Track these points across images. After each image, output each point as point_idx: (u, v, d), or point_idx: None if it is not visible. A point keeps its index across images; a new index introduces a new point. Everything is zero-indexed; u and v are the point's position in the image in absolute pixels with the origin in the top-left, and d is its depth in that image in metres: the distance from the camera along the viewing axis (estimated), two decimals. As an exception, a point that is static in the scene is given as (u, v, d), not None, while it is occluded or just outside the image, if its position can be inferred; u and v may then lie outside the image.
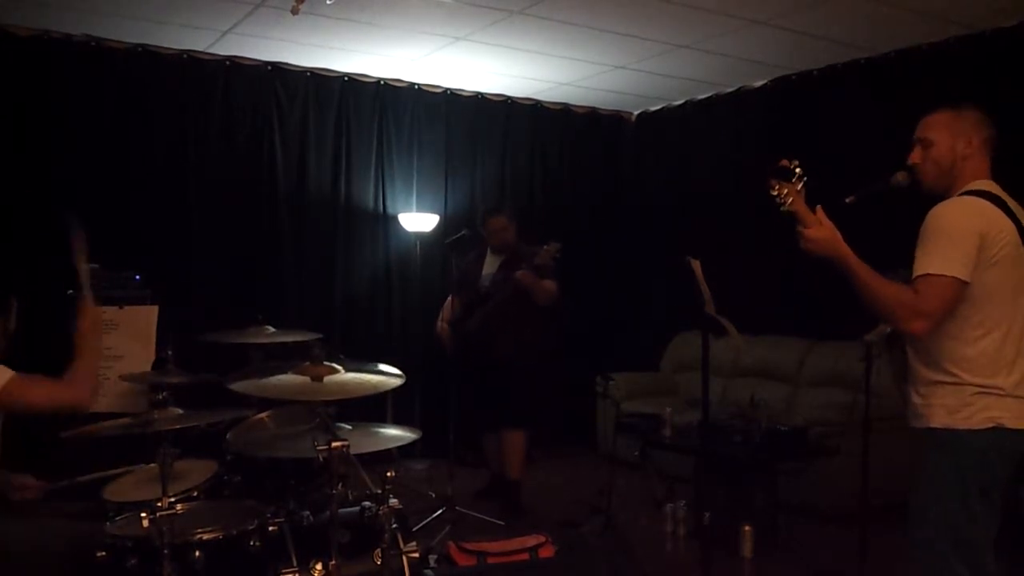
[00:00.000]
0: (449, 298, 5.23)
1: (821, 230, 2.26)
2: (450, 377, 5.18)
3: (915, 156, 2.44)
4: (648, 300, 6.86)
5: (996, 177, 2.39)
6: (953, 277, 2.18)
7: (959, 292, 2.20)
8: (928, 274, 2.19)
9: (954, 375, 2.25)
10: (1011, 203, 2.32)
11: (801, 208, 2.28)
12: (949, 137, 2.38)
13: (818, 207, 2.29)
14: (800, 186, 2.29)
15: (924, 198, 2.44)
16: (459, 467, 5.23)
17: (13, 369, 2.45)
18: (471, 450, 5.74)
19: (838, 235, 2.27)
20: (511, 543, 3.74)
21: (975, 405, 2.23)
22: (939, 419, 2.26)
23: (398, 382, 2.60)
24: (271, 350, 3.57)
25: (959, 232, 2.21)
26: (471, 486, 5.23)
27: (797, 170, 2.30)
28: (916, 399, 2.34)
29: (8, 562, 2.42)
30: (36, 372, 2.68)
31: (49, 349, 3.18)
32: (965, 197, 2.30)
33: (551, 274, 4.86)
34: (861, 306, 2.32)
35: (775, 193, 2.30)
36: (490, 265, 5.09)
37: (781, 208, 2.31)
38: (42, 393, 2.50)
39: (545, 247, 4.76)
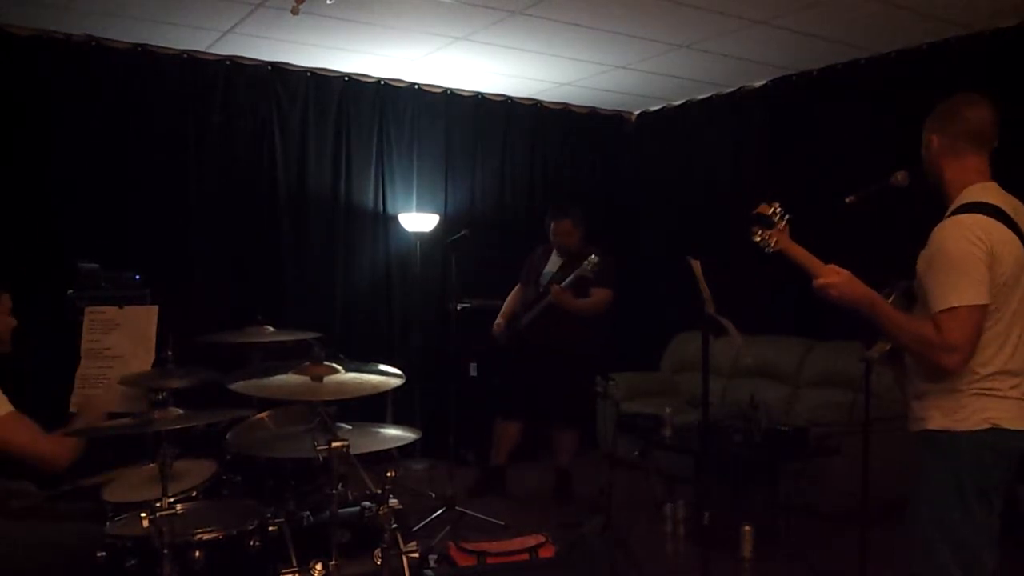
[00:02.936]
0: (517, 286, 5.37)
1: (838, 275, 2.27)
2: (451, 377, 5.20)
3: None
4: (648, 300, 6.86)
5: (996, 177, 2.36)
6: (972, 306, 2.17)
7: (982, 317, 2.19)
8: (949, 308, 2.17)
9: (953, 381, 2.24)
10: (1012, 210, 2.29)
11: (788, 245, 2.32)
12: (924, 136, 2.40)
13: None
14: (783, 225, 2.31)
15: (924, 199, 2.44)
16: (459, 467, 5.24)
17: (14, 376, 2.46)
18: (471, 450, 5.75)
19: (856, 279, 2.27)
20: (511, 543, 3.74)
21: (971, 407, 2.23)
22: (936, 421, 2.27)
23: (398, 382, 2.61)
24: (271, 350, 3.57)
25: (969, 260, 2.18)
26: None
27: (777, 213, 2.33)
28: (914, 403, 2.35)
29: (8, 563, 2.42)
30: (36, 374, 2.69)
31: (48, 350, 3.19)
32: (966, 217, 2.24)
33: (603, 282, 4.97)
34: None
35: (757, 240, 2.37)
36: (553, 263, 5.20)
37: (766, 251, 2.34)
38: (27, 439, 2.54)
39: (586, 261, 4.86)
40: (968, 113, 2.34)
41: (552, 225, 5.19)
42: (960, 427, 2.23)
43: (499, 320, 5.32)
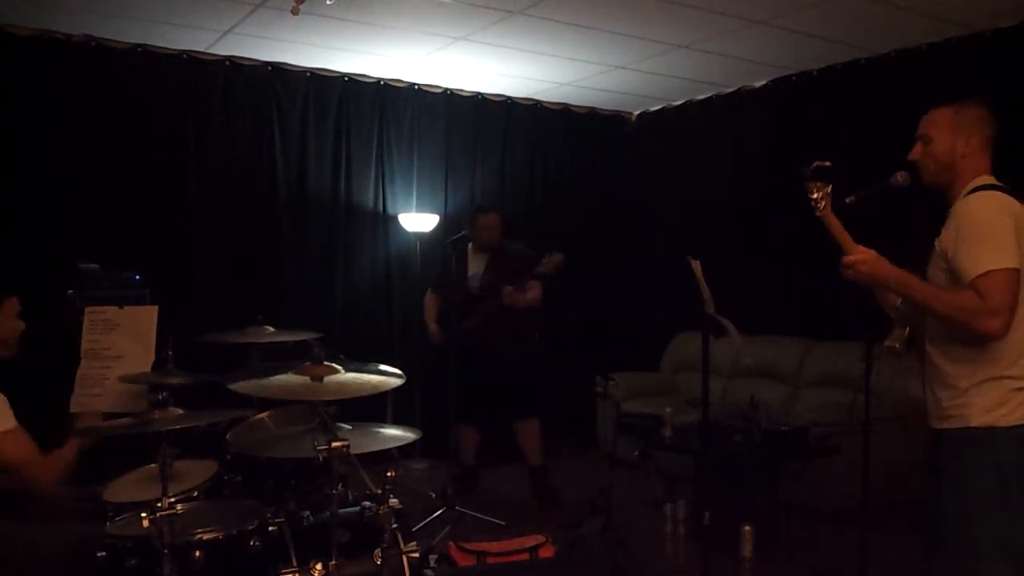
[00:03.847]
0: (428, 294, 5.37)
1: (867, 253, 2.27)
2: (450, 376, 5.19)
3: (915, 153, 2.44)
4: (648, 300, 6.87)
5: (996, 176, 2.39)
6: (1011, 268, 2.18)
7: (1017, 281, 2.20)
8: (989, 271, 2.18)
9: (989, 370, 2.24)
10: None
11: (831, 218, 2.27)
12: (949, 135, 2.38)
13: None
14: (829, 189, 2.28)
15: (924, 199, 2.44)
16: (459, 467, 5.23)
17: (14, 378, 2.47)
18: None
19: (881, 256, 2.27)
20: (511, 543, 3.74)
21: (1013, 401, 2.22)
22: (977, 418, 2.25)
23: (398, 382, 2.60)
24: (271, 350, 3.56)
25: (1000, 224, 2.21)
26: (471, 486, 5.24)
27: (830, 171, 2.28)
28: (947, 401, 2.32)
29: (9, 562, 2.42)
30: (35, 374, 2.69)
31: (49, 350, 3.19)
32: (989, 192, 2.30)
33: (535, 276, 4.96)
34: (865, 308, 2.32)
35: (814, 196, 2.26)
36: (475, 265, 5.17)
37: (816, 212, 2.29)
38: (23, 457, 2.56)
39: (549, 257, 4.83)
40: (991, 116, 2.40)
41: (480, 219, 5.18)
42: (1003, 422, 2.22)
43: (433, 327, 5.30)
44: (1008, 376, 2.23)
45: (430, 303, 5.39)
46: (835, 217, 2.30)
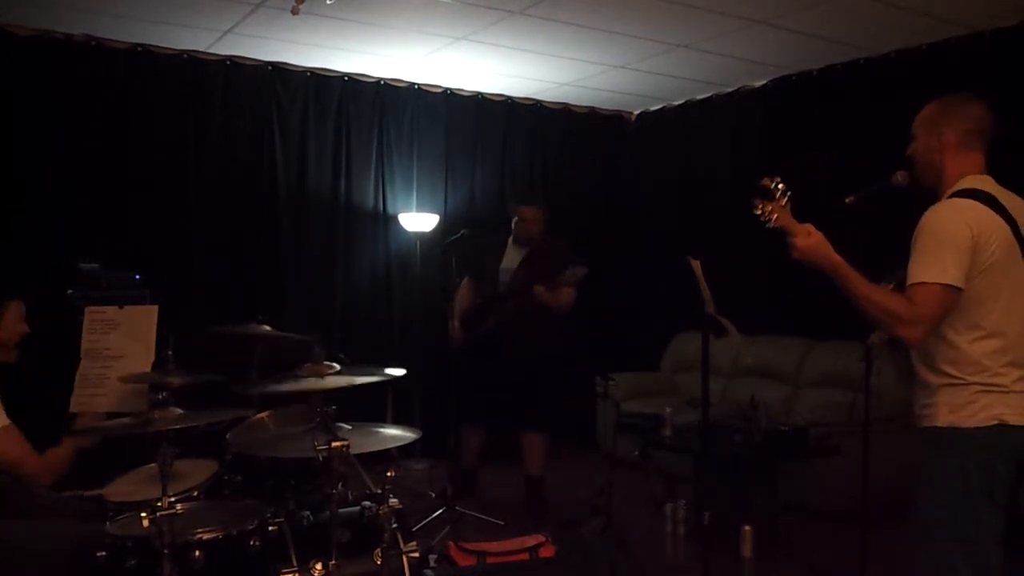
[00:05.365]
0: (464, 280, 5.15)
1: (809, 239, 2.28)
2: (451, 376, 5.18)
3: (909, 150, 2.45)
4: (648, 300, 6.86)
5: (996, 176, 2.37)
6: (947, 285, 2.18)
7: (953, 299, 2.20)
8: (922, 282, 2.19)
9: (956, 377, 2.24)
10: (1006, 199, 2.31)
11: (787, 222, 2.30)
12: (925, 132, 2.40)
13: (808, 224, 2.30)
14: (784, 202, 2.31)
15: (924, 199, 2.44)
16: (457, 469, 5.23)
17: (14, 377, 2.48)
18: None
19: (827, 243, 2.28)
20: (511, 543, 3.74)
21: (978, 403, 2.22)
22: (942, 418, 2.26)
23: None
24: (271, 348, 3.56)
25: (951, 238, 2.20)
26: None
27: (779, 187, 2.32)
28: (920, 400, 2.33)
29: (9, 562, 2.42)
30: (36, 374, 2.69)
31: (48, 350, 3.19)
32: (955, 200, 2.28)
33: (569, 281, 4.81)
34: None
35: (758, 212, 2.32)
36: (510, 258, 5.02)
37: (767, 226, 2.32)
38: (16, 455, 2.57)
39: (573, 270, 4.67)
40: (975, 110, 2.37)
41: (520, 209, 5.00)
42: (967, 423, 2.22)
43: (455, 324, 5.04)
44: (975, 382, 2.23)
45: (464, 292, 5.12)
46: (795, 223, 2.30)
